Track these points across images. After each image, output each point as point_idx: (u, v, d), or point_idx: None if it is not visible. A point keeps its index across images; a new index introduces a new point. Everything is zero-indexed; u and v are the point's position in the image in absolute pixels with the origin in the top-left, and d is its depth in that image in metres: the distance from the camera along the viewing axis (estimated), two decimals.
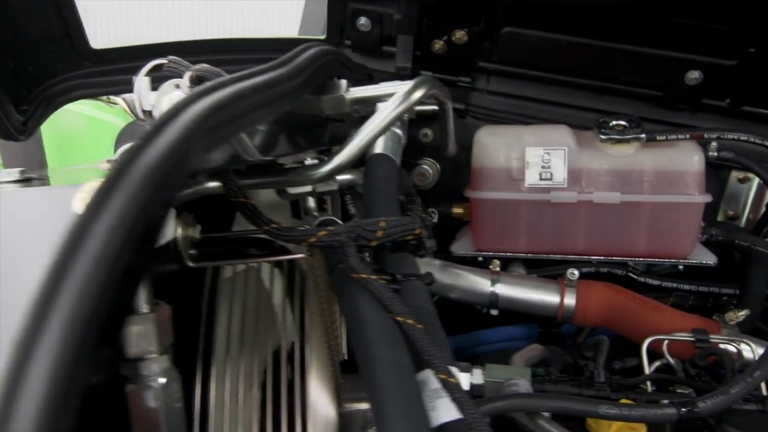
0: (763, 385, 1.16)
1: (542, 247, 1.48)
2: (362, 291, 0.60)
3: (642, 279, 1.61)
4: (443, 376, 0.56)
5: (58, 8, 1.56)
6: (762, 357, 1.03)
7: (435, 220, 1.67)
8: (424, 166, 1.70)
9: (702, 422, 0.99)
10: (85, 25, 1.61)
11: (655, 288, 1.61)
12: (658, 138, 1.38)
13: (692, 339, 1.21)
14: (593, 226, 1.42)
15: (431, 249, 1.66)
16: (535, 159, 1.41)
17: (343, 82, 0.90)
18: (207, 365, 0.78)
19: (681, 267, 1.51)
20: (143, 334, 0.56)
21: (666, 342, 1.24)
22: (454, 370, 0.62)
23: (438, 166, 1.73)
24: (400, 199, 1.01)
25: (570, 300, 1.42)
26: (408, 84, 0.85)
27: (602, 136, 1.37)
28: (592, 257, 1.47)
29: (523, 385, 1.03)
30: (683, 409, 0.92)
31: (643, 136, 1.35)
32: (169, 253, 0.79)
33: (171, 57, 0.74)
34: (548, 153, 1.40)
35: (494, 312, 1.53)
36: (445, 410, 0.55)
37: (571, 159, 1.39)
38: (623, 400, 1.06)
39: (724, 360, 1.14)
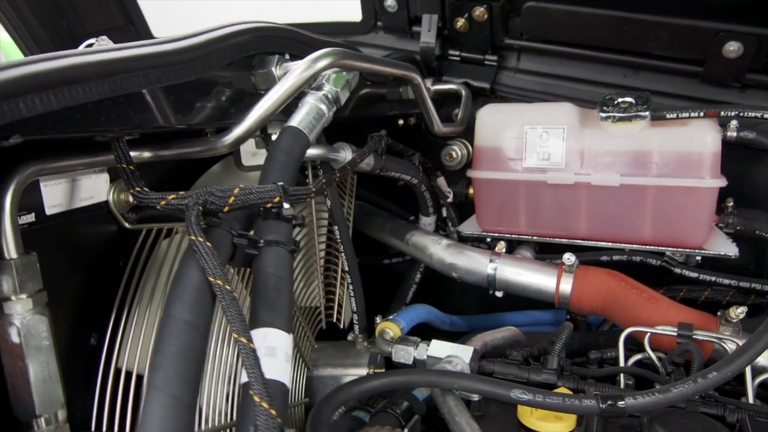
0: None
1: (543, 230, 1.42)
2: (191, 252, 0.66)
3: (678, 270, 1.47)
4: (240, 338, 0.60)
5: (120, 0, 1.77)
6: (719, 364, 0.92)
7: (450, 199, 1.67)
8: (454, 147, 1.69)
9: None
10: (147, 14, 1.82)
11: (692, 281, 1.47)
12: (667, 116, 1.25)
13: (674, 333, 1.10)
14: (594, 210, 1.33)
15: (430, 226, 1.67)
16: (533, 138, 1.35)
17: (274, 58, 0.95)
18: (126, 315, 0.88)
19: (699, 258, 1.37)
20: (8, 280, 0.67)
21: (648, 335, 1.14)
22: (266, 332, 0.66)
23: (470, 147, 1.70)
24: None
25: (566, 286, 1.35)
26: (315, 54, 0.88)
27: (602, 114, 1.27)
28: (624, 245, 1.36)
29: (459, 363, 1.02)
30: (604, 404, 0.86)
31: (646, 114, 1.24)
32: (103, 214, 0.91)
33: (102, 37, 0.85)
34: (547, 132, 1.34)
35: (499, 294, 1.50)
36: (245, 372, 0.60)
37: (571, 138, 1.32)
38: (561, 389, 1.02)
39: (693, 357, 1.03)
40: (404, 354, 1.08)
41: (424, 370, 0.96)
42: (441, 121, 1.52)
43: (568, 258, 1.35)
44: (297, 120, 0.90)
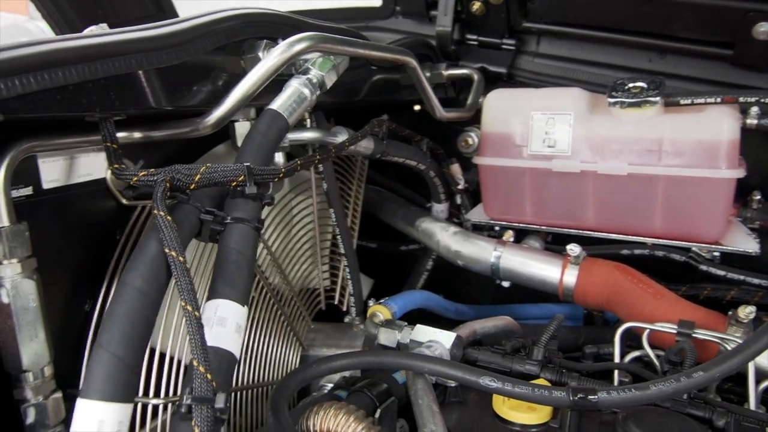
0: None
1: (549, 219, 1.39)
2: (153, 225, 0.70)
3: (704, 267, 1.41)
4: (186, 306, 0.64)
5: None
6: (707, 364, 0.88)
7: (461, 186, 1.66)
8: (470, 133, 1.67)
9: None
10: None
11: (719, 279, 1.41)
12: (681, 102, 1.20)
13: (673, 331, 1.06)
14: (602, 200, 1.30)
15: (442, 213, 1.66)
16: (539, 124, 1.32)
17: (262, 43, 0.98)
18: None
19: (717, 254, 1.30)
20: None
21: (647, 331, 1.11)
22: (219, 303, 0.70)
23: None
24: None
25: (570, 278, 1.32)
26: (293, 38, 0.90)
27: (610, 100, 1.23)
28: (646, 239, 1.31)
29: (438, 348, 1.03)
30: (575, 397, 0.85)
31: (656, 99, 1.19)
32: (101, 191, 0.97)
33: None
34: (553, 118, 1.30)
35: (506, 284, 1.49)
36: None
37: (578, 125, 1.28)
38: (539, 381, 1.00)
39: (686, 356, 0.99)
40: (389, 337, 1.10)
41: (395, 352, 0.97)
42: (455, 107, 1.52)
43: (572, 249, 1.32)
44: (278, 103, 0.93)
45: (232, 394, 1.12)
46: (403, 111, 1.65)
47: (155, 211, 0.70)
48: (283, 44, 0.89)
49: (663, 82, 1.22)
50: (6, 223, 0.76)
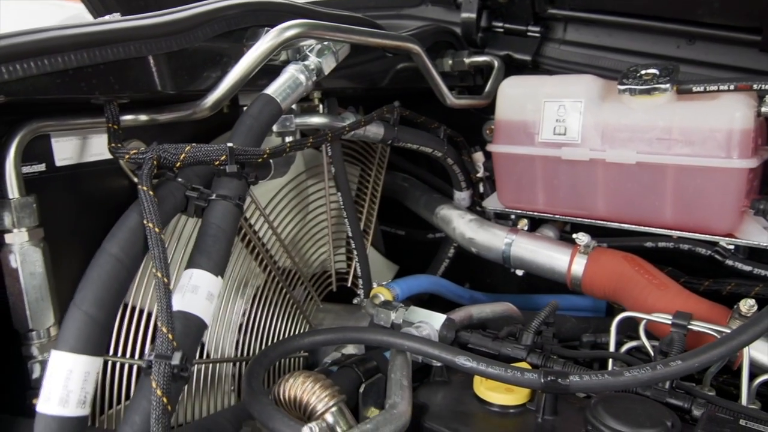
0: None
1: (560, 208, 1.38)
2: (137, 200, 0.76)
3: (730, 262, 1.36)
4: (156, 273, 0.69)
5: None
6: (686, 354, 0.86)
7: (480, 174, 1.65)
8: None
9: None
10: None
11: (745, 274, 1.35)
12: (694, 89, 1.15)
13: (668, 321, 1.03)
14: (611, 189, 1.27)
15: (464, 201, 1.66)
16: (550, 112, 1.31)
17: (263, 30, 1.02)
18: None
19: (731, 246, 1.25)
20: (8, 216, 0.82)
21: (644, 321, 1.08)
22: (193, 272, 0.75)
23: None
24: None
25: (578, 267, 1.31)
26: (284, 24, 0.94)
27: (620, 87, 1.20)
28: (672, 232, 1.26)
29: (427, 328, 1.05)
30: (546, 379, 0.85)
31: (666, 86, 1.15)
32: (114, 169, 1.05)
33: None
34: (564, 106, 1.29)
35: (519, 272, 1.49)
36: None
37: (589, 113, 1.26)
38: (521, 364, 1.00)
39: (674, 345, 0.96)
40: (384, 317, 1.12)
41: (375, 329, 1.00)
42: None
43: (580, 238, 1.30)
44: (272, 88, 0.97)
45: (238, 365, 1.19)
46: (433, 98, 1.66)
47: (139, 186, 0.77)
48: (273, 31, 0.93)
49: (676, 69, 1.18)
50: (16, 195, 0.84)
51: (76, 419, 0.65)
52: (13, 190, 0.84)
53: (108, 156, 1.03)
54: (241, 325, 1.23)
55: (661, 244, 1.41)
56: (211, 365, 1.14)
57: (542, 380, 0.85)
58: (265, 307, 1.26)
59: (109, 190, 1.05)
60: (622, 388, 0.89)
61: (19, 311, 0.86)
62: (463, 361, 0.90)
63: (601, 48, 1.59)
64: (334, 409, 0.76)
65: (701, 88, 1.14)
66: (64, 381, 0.64)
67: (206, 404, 1.13)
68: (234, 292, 1.21)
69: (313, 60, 1.03)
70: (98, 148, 1.02)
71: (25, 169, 0.90)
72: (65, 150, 0.97)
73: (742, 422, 0.81)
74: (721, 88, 1.12)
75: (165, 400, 0.64)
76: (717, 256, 1.37)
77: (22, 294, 0.85)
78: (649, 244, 1.41)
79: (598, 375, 0.85)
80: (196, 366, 1.12)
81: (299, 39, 0.96)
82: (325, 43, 1.05)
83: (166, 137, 1.08)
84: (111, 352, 0.97)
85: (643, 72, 1.20)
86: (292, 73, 1.00)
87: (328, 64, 1.05)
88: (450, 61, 1.59)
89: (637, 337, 1.11)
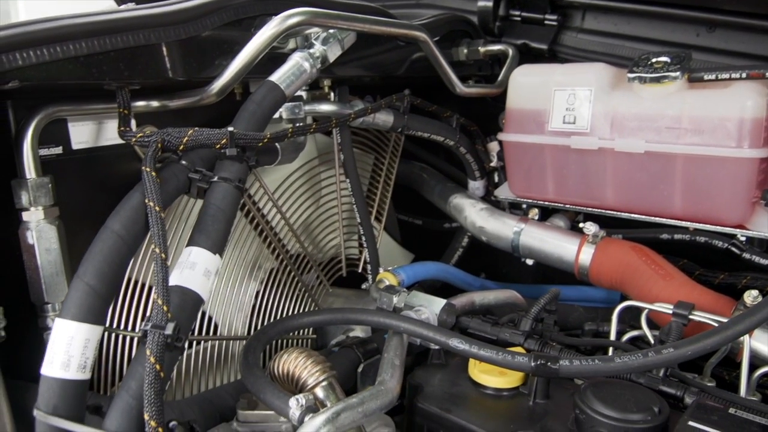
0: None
1: (570, 197, 1.37)
2: (141, 180, 0.80)
3: (747, 255, 1.33)
4: (155, 248, 0.73)
5: None
6: (679, 342, 0.86)
7: (493, 163, 1.65)
8: None
9: None
10: None
11: (763, 268, 1.33)
12: (705, 77, 1.13)
13: (669, 311, 1.03)
14: (620, 179, 1.26)
15: (478, 191, 1.67)
16: (561, 100, 1.30)
17: (269, 18, 1.05)
18: None
19: (743, 238, 1.23)
20: (25, 195, 0.87)
21: (646, 311, 1.08)
22: (192, 249, 0.79)
23: None
24: None
25: (585, 257, 1.30)
26: (287, 12, 0.96)
27: (630, 75, 1.19)
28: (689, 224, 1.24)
29: (426, 312, 1.06)
30: (536, 362, 0.86)
31: (676, 74, 1.13)
32: (129, 153, 1.10)
33: None
34: (574, 94, 1.28)
35: (529, 262, 1.49)
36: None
37: (598, 101, 1.25)
38: (518, 349, 1.01)
39: (671, 334, 0.96)
40: (386, 301, 1.14)
41: (371, 311, 1.02)
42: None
43: (588, 227, 1.30)
44: (277, 75, 1.00)
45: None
46: (441, 88, 1.66)
47: (143, 167, 0.81)
48: (276, 18, 0.96)
49: (688, 57, 1.16)
50: (32, 175, 0.89)
51: (77, 382, 0.69)
52: (30, 171, 0.90)
53: (122, 140, 1.09)
54: (253, 307, 1.27)
55: (677, 236, 1.39)
56: (223, 343, 1.18)
57: (532, 364, 0.86)
58: (276, 290, 1.30)
59: (123, 173, 1.10)
60: (613, 374, 0.89)
61: (35, 285, 0.91)
62: (456, 343, 0.92)
63: (619, 36, 1.56)
64: (324, 383, 0.79)
65: (713, 76, 1.12)
66: (66, 347, 0.69)
67: (219, 380, 1.18)
68: (247, 274, 1.25)
69: (318, 48, 1.05)
70: (113, 132, 1.06)
71: (43, 152, 0.95)
72: (81, 134, 1.02)
73: (731, 411, 0.81)
74: (733, 76, 1.10)
75: (158, 367, 0.68)
76: (734, 249, 1.34)
77: (38, 269, 0.90)
78: (665, 236, 1.39)
79: (589, 360, 0.86)
80: (210, 343, 1.17)
81: (303, 27, 0.98)
82: (331, 31, 1.07)
83: (180, 123, 1.13)
84: (122, 326, 1.03)
85: (654, 60, 1.18)
86: (296, 60, 1.02)
87: (333, 52, 1.07)
88: (465, 50, 1.59)
89: (640, 327, 1.11)
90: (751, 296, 1.00)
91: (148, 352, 0.68)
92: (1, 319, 0.86)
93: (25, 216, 0.90)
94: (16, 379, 0.83)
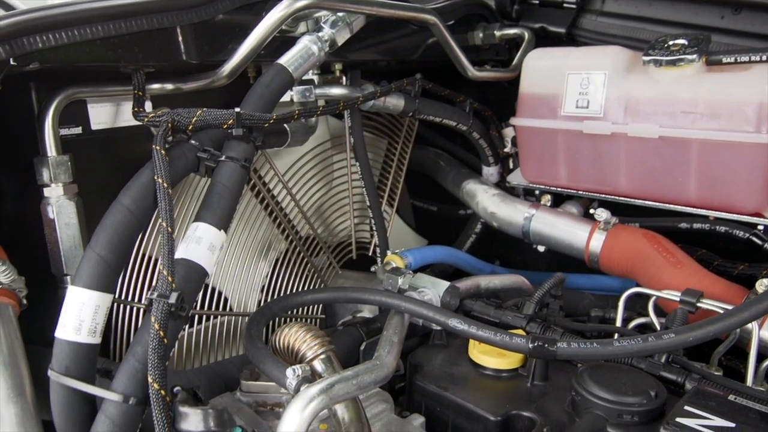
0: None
1: (583, 183, 1.36)
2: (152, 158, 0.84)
3: None
4: (162, 222, 0.76)
5: None
6: (682, 327, 0.85)
7: (507, 149, 1.65)
8: None
9: None
10: None
11: None
12: (724, 60, 1.11)
13: (676, 298, 1.02)
14: (633, 164, 1.24)
15: (493, 177, 1.66)
16: (574, 84, 1.29)
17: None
18: None
19: (761, 227, 1.20)
20: (46, 171, 0.92)
21: (653, 298, 1.07)
22: (198, 225, 0.82)
23: None
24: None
25: (596, 243, 1.30)
26: None
27: (645, 58, 1.17)
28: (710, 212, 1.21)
29: (429, 294, 1.08)
30: (534, 344, 0.86)
31: (693, 57, 1.11)
32: (145, 134, 1.14)
33: None
34: (588, 78, 1.27)
35: (541, 248, 1.49)
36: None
37: (612, 85, 1.23)
38: (518, 331, 1.02)
39: (675, 320, 0.95)
40: (391, 282, 1.16)
41: (373, 290, 1.04)
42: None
43: (600, 214, 1.29)
44: (285, 58, 1.02)
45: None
46: (455, 72, 1.66)
47: (153, 146, 0.84)
48: (285, 1, 0.98)
49: (707, 39, 1.13)
50: (53, 153, 0.94)
51: (88, 345, 0.73)
52: (51, 149, 0.94)
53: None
54: (265, 287, 1.31)
55: (696, 226, 1.37)
56: (234, 320, 1.22)
57: (530, 345, 0.87)
58: (287, 271, 1.33)
59: (139, 152, 1.13)
60: (610, 358, 0.89)
61: (55, 257, 0.96)
62: (455, 323, 0.93)
63: (640, 19, 1.53)
64: (322, 356, 0.81)
65: (731, 59, 1.10)
66: (78, 312, 0.73)
67: (228, 354, 1.22)
68: (258, 254, 1.29)
69: (327, 31, 1.06)
70: (130, 114, 1.10)
71: (64, 132, 1.00)
72: (100, 115, 1.07)
73: (731, 397, 0.80)
74: (753, 58, 1.08)
75: (162, 333, 0.71)
76: (756, 240, 1.32)
77: (58, 242, 0.95)
78: (683, 225, 1.37)
79: (587, 343, 0.86)
80: (221, 318, 1.21)
81: (311, 10, 1.00)
82: (340, 14, 1.08)
83: (195, 106, 1.16)
84: (136, 299, 1.07)
85: (671, 42, 1.16)
86: (305, 43, 1.04)
87: (342, 36, 1.08)
88: (480, 35, 1.58)
89: (648, 314, 1.10)
90: (763, 285, 0.99)
91: (153, 320, 0.71)
92: (23, 288, 0.91)
93: (46, 192, 0.94)
94: (34, 344, 0.87)
